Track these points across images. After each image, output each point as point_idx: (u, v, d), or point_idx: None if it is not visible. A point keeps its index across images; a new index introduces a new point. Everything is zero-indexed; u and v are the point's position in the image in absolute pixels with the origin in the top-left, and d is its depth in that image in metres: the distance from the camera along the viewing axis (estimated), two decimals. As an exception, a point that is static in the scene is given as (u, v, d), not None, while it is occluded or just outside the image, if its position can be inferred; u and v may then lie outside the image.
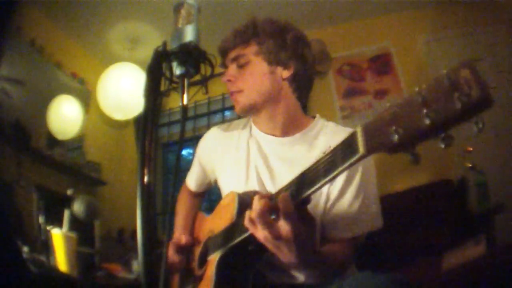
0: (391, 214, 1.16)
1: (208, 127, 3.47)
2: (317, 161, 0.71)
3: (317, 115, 1.26)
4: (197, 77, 0.93)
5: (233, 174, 1.25)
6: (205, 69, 0.93)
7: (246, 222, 0.80)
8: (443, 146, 0.51)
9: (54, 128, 2.88)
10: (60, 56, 3.07)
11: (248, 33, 1.19)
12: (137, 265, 2.24)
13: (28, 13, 2.75)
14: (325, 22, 3.21)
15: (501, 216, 2.26)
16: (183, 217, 1.42)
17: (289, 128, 1.20)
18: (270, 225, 0.76)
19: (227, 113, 3.56)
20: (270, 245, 0.79)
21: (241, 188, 1.15)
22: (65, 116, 3.02)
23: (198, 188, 1.48)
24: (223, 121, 3.43)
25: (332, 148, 0.67)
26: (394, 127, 0.53)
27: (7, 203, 2.17)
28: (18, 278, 1.58)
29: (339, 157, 0.64)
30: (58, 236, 1.95)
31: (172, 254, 1.24)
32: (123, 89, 2.94)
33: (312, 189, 0.71)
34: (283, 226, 0.75)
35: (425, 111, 0.49)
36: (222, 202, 1.16)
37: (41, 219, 2.10)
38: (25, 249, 1.91)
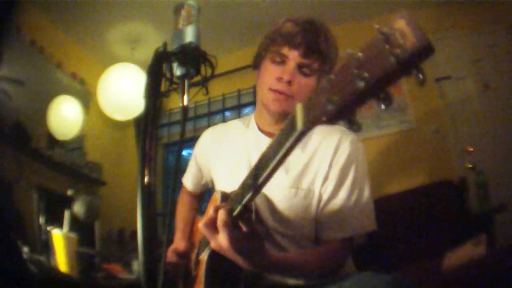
0: (391, 215, 1.17)
1: (208, 127, 3.48)
2: (270, 144, 0.69)
3: None
4: (198, 78, 0.93)
5: (229, 174, 1.25)
6: (205, 70, 0.93)
7: (199, 228, 0.85)
8: (383, 107, 0.46)
9: (54, 128, 2.88)
10: (60, 56, 3.07)
11: (328, 53, 1.16)
12: (137, 265, 2.23)
13: (28, 13, 2.75)
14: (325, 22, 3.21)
15: (501, 216, 2.26)
16: (182, 219, 1.43)
17: None
18: (212, 237, 0.81)
19: (228, 113, 3.56)
20: (221, 253, 0.83)
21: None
22: (65, 116, 3.02)
23: (195, 187, 1.48)
24: (224, 121, 3.43)
25: (280, 130, 0.65)
26: (329, 96, 0.49)
27: (7, 203, 2.17)
28: (18, 279, 1.58)
29: (284, 137, 0.62)
30: (58, 237, 1.95)
31: (173, 260, 1.26)
32: (123, 90, 2.94)
33: (264, 175, 0.68)
34: (221, 238, 0.78)
35: (356, 72, 0.45)
36: (210, 201, 1.17)
37: (41, 220, 2.10)
38: (25, 249, 1.91)
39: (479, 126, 2.77)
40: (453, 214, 2.42)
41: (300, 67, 1.14)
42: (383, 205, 2.32)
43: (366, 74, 0.45)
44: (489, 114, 2.78)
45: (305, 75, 1.14)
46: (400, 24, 0.43)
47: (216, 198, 1.07)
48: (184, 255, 1.27)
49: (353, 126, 0.50)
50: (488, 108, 2.79)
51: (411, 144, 2.86)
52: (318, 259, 1.04)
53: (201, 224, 0.82)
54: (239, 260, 0.83)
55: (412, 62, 0.43)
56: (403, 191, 2.64)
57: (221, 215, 0.77)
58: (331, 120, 0.50)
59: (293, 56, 1.13)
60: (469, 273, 1.55)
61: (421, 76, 0.44)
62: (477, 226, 2.24)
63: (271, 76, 1.16)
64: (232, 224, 0.78)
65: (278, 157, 0.63)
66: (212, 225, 0.80)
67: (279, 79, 1.13)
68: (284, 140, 0.61)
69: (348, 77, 0.47)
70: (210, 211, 0.81)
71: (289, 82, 1.12)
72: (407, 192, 2.62)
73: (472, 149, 2.61)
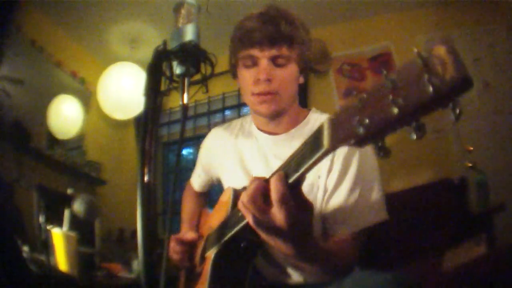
0: (390, 214, 1.15)
1: (208, 126, 3.48)
2: (291, 157, 0.66)
3: (313, 108, 1.26)
4: (197, 77, 0.93)
5: (234, 174, 1.26)
6: (205, 69, 0.93)
7: (240, 206, 0.72)
8: (414, 137, 0.44)
9: (54, 127, 2.88)
10: (60, 56, 3.07)
11: (295, 35, 1.11)
12: (137, 264, 2.24)
13: (28, 13, 2.75)
14: (325, 21, 3.21)
15: (501, 216, 2.26)
16: (189, 212, 1.44)
17: (287, 125, 1.20)
18: (262, 211, 0.68)
19: (228, 112, 3.56)
20: (263, 234, 0.72)
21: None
22: (65, 115, 3.02)
23: (202, 189, 1.50)
24: (224, 120, 3.43)
25: (304, 141, 0.62)
26: (360, 118, 0.47)
27: (7, 203, 2.17)
28: (18, 278, 1.58)
29: (308, 152, 0.60)
30: (58, 236, 1.95)
31: (174, 248, 1.23)
32: (123, 89, 2.94)
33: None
34: (277, 212, 0.66)
35: (391, 97, 0.43)
36: (221, 198, 1.17)
37: (41, 219, 2.09)
38: (25, 248, 1.91)
39: (479, 125, 2.77)
40: (453, 214, 2.41)
41: (272, 60, 1.10)
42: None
43: (401, 101, 0.42)
44: (489, 113, 2.78)
45: (281, 65, 1.11)
46: (440, 51, 0.40)
47: (228, 195, 1.06)
48: (187, 245, 1.24)
49: (381, 151, 0.48)
50: (488, 107, 2.78)
51: (411, 143, 2.85)
52: (336, 253, 0.98)
53: (246, 197, 0.69)
54: (284, 240, 0.71)
55: (449, 95, 0.40)
56: (403, 190, 2.64)
57: (281, 185, 0.65)
58: (360, 143, 0.48)
59: (261, 53, 1.10)
60: (469, 272, 1.55)
61: (457, 110, 0.41)
62: (477, 225, 2.24)
63: (248, 81, 1.13)
64: (290, 194, 0.66)
65: (300, 172, 0.62)
66: (262, 197, 0.68)
67: (257, 81, 1.10)
68: (308, 156, 0.59)
69: (381, 101, 0.44)
70: (254, 183, 0.69)
71: (268, 80, 1.09)
72: (407, 191, 2.62)
73: (472, 148, 2.61)
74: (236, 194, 1.03)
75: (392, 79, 0.44)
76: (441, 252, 1.90)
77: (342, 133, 0.50)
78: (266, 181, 0.69)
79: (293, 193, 0.67)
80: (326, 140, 0.54)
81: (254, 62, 1.12)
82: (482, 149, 2.67)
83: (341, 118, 0.51)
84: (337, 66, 3.24)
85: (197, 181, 1.49)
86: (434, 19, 2.98)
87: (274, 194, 0.65)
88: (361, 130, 0.46)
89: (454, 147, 2.79)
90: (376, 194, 1.07)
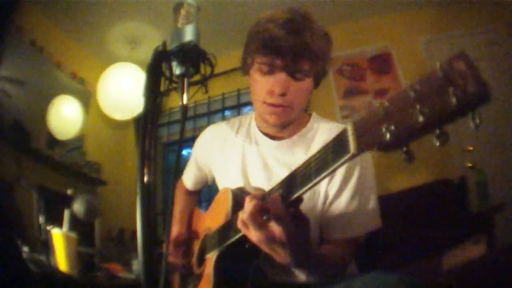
0: (391, 214, 1.16)
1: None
2: (309, 159, 0.68)
3: (313, 113, 1.24)
4: (197, 77, 0.93)
5: (231, 175, 1.24)
6: (204, 69, 0.92)
7: (239, 224, 0.78)
8: (438, 144, 0.48)
9: (54, 128, 2.88)
10: (60, 56, 3.07)
11: (317, 50, 1.04)
12: (137, 265, 2.24)
13: (28, 13, 2.75)
14: (325, 21, 3.19)
15: (501, 215, 2.26)
16: (179, 212, 1.42)
17: (290, 130, 1.18)
18: (262, 227, 0.74)
19: (227, 112, 3.57)
20: (263, 247, 0.77)
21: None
22: (65, 116, 3.02)
23: (194, 186, 1.47)
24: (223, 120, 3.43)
25: (323, 145, 0.64)
26: (386, 125, 0.50)
27: (7, 203, 2.17)
28: (18, 278, 1.58)
29: (330, 156, 0.61)
30: (58, 236, 1.95)
31: (169, 250, 1.25)
32: (123, 89, 2.95)
33: (303, 189, 0.68)
34: (275, 227, 0.72)
35: (418, 107, 0.47)
36: (217, 199, 1.15)
37: (41, 219, 2.09)
38: (25, 249, 1.91)
39: (479, 125, 2.77)
40: (453, 213, 2.42)
41: (291, 73, 1.05)
42: (382, 204, 2.32)
43: (426, 110, 0.46)
44: (489, 113, 2.78)
45: (298, 80, 1.06)
46: (460, 66, 0.44)
47: (225, 196, 1.05)
48: (179, 245, 1.26)
49: (406, 156, 0.51)
50: (488, 107, 2.77)
51: (410, 143, 2.85)
52: (330, 257, 1.02)
53: (245, 214, 0.74)
54: (284, 252, 0.76)
55: (471, 106, 0.44)
56: (403, 190, 2.64)
57: (280, 203, 0.71)
58: (385, 148, 0.51)
59: (281, 64, 1.04)
60: (468, 272, 1.55)
61: (478, 120, 0.45)
62: (477, 225, 2.24)
63: (262, 89, 1.07)
64: (288, 212, 0.72)
65: (322, 175, 0.63)
66: (261, 214, 0.73)
67: (271, 92, 1.05)
68: (331, 161, 0.60)
69: (406, 109, 0.48)
70: (253, 200, 0.74)
71: (283, 94, 1.04)
72: (407, 191, 2.62)
73: (472, 148, 2.61)
74: (235, 196, 1.02)
75: (416, 89, 0.47)
76: (441, 252, 1.90)
77: (369, 138, 0.53)
78: (263, 198, 0.75)
79: (294, 209, 0.74)
80: (352, 145, 0.56)
81: (271, 71, 1.06)
82: (482, 149, 2.67)
83: (365, 124, 0.54)
84: (337, 66, 3.24)
85: (189, 178, 1.46)
86: (434, 19, 2.98)
87: (273, 211, 0.71)
88: (388, 136, 0.50)
89: (453, 147, 2.79)
90: (373, 203, 1.09)
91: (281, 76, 1.04)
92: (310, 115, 1.24)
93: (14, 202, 2.29)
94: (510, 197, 2.32)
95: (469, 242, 1.79)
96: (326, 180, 1.08)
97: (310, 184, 0.66)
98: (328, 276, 0.99)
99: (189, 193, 1.50)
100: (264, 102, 1.08)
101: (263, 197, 0.76)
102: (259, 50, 1.06)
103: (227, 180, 1.23)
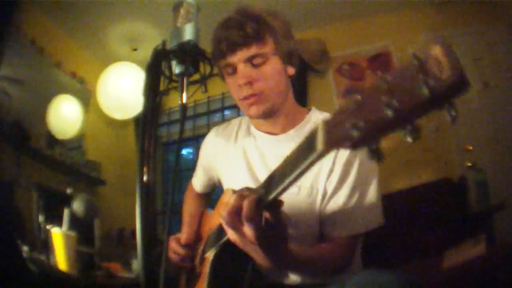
0: (390, 213, 1.15)
1: (207, 126, 3.48)
2: (286, 158, 0.65)
3: (313, 108, 1.25)
4: (197, 76, 0.93)
5: (234, 175, 1.25)
6: (204, 68, 0.93)
7: (221, 220, 0.77)
8: (410, 139, 0.43)
9: (54, 127, 2.88)
10: (60, 56, 3.07)
11: (263, 30, 1.09)
12: (137, 264, 2.24)
13: (28, 13, 2.75)
14: (325, 21, 3.21)
15: (501, 215, 2.26)
16: (189, 214, 1.44)
17: (287, 125, 1.19)
18: (236, 228, 0.73)
19: (227, 112, 3.56)
20: (241, 247, 0.78)
21: None
22: (65, 115, 3.02)
23: (203, 189, 1.49)
24: (223, 120, 3.43)
25: (297, 145, 0.61)
26: (354, 121, 0.45)
27: (7, 203, 2.17)
28: (18, 277, 1.58)
29: (301, 155, 0.58)
30: (57, 235, 1.95)
31: (173, 248, 1.26)
32: (123, 89, 2.94)
33: (279, 189, 0.65)
34: (246, 229, 0.71)
35: (385, 100, 0.42)
36: (221, 199, 1.16)
37: (40, 218, 2.09)
38: (25, 248, 1.91)
39: (478, 125, 2.77)
40: (453, 213, 2.42)
41: (249, 61, 1.09)
42: (382, 204, 2.32)
43: (395, 103, 0.41)
44: (489, 112, 2.78)
45: (259, 64, 1.09)
46: (436, 51, 0.39)
47: (228, 197, 1.06)
48: (186, 246, 1.26)
49: (374, 155, 0.46)
50: (488, 106, 2.79)
51: (411, 143, 2.85)
52: (327, 255, 1.01)
53: (224, 212, 0.74)
54: (259, 254, 0.77)
55: (446, 96, 0.39)
56: (403, 189, 2.64)
57: (250, 204, 0.70)
58: (354, 146, 0.47)
59: (234, 58, 1.09)
60: (468, 271, 1.55)
61: (453, 112, 0.40)
62: (477, 224, 2.24)
63: (234, 88, 1.13)
64: (260, 215, 0.70)
65: (294, 174, 0.60)
66: (237, 215, 0.72)
67: (239, 87, 1.10)
68: (302, 159, 0.57)
69: (376, 103, 0.43)
70: (232, 200, 0.74)
71: (249, 83, 1.08)
72: (407, 191, 2.62)
73: (471, 148, 2.61)
74: None
75: (386, 81, 0.43)
76: (441, 252, 1.90)
77: (337, 135, 0.49)
78: (242, 198, 0.73)
79: (272, 212, 0.71)
80: (320, 143, 0.52)
81: (234, 69, 1.11)
82: (482, 149, 2.67)
83: (336, 120, 0.50)
84: (336, 66, 3.24)
85: (197, 182, 1.48)
86: (434, 19, 2.98)
87: (244, 213, 0.70)
88: (355, 133, 0.45)
89: (453, 146, 2.79)
90: (374, 199, 1.08)
91: (240, 68, 1.09)
92: (309, 110, 1.24)
93: (13, 201, 2.29)
94: (510, 197, 2.32)
95: (469, 241, 1.79)
96: (324, 176, 1.09)
97: (285, 184, 0.63)
98: (326, 275, 0.99)
99: (199, 195, 1.51)
100: (240, 99, 1.12)
101: (243, 197, 0.74)
102: (216, 57, 1.12)
103: (234, 181, 1.23)
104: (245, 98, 1.10)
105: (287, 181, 0.62)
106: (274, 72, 1.11)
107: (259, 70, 1.09)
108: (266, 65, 1.10)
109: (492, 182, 2.46)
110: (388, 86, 0.42)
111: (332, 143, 0.50)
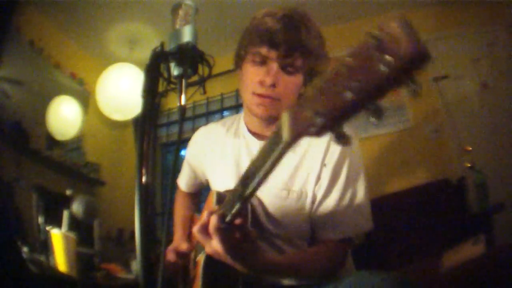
0: (390, 214, 1.16)
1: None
2: (258, 153, 0.63)
3: None
4: (195, 78, 0.93)
5: (222, 176, 1.23)
6: (203, 70, 0.93)
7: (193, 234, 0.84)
8: (374, 120, 0.42)
9: (53, 128, 2.88)
10: (59, 56, 3.07)
11: (311, 47, 1.07)
12: (136, 265, 2.24)
13: (28, 13, 2.75)
14: (325, 21, 3.21)
15: (500, 216, 2.26)
16: (181, 218, 1.42)
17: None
18: (206, 242, 0.79)
19: (226, 113, 3.56)
20: (216, 258, 0.81)
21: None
22: (64, 116, 3.02)
23: (189, 188, 1.47)
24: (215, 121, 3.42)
25: (266, 140, 0.60)
26: (317, 107, 0.44)
27: (7, 203, 2.17)
28: (18, 278, 1.58)
29: (270, 147, 0.57)
30: (57, 236, 1.95)
31: (173, 260, 1.25)
32: (122, 90, 2.95)
33: (254, 185, 0.64)
34: (214, 243, 0.77)
35: (345, 82, 0.41)
36: (207, 202, 1.15)
37: (40, 219, 2.09)
38: (25, 249, 1.91)
39: (478, 125, 2.77)
40: (452, 214, 2.42)
41: (283, 66, 1.07)
42: (382, 204, 2.32)
43: (354, 84, 0.40)
44: (488, 113, 2.78)
45: (290, 73, 1.07)
46: (393, 27, 0.38)
47: (212, 199, 1.06)
48: (184, 255, 1.26)
49: (341, 140, 0.45)
50: (487, 107, 2.79)
51: (410, 143, 2.86)
52: (315, 259, 1.02)
53: (194, 229, 0.80)
54: (234, 264, 0.81)
55: (405, 71, 0.38)
56: (402, 190, 2.64)
57: (213, 221, 0.75)
58: (319, 133, 0.46)
59: (274, 56, 1.06)
60: (468, 272, 1.55)
61: (415, 87, 0.39)
62: (476, 225, 2.24)
63: (253, 79, 1.09)
64: (224, 230, 0.75)
65: (265, 168, 0.59)
66: (206, 230, 0.77)
67: (262, 83, 1.06)
68: (270, 151, 0.57)
69: (336, 87, 0.42)
70: (204, 215, 0.79)
71: (273, 85, 1.05)
72: (406, 191, 2.62)
73: (471, 149, 2.61)
74: (220, 198, 1.03)
75: (345, 63, 0.41)
76: (440, 251, 1.90)
77: (301, 124, 0.48)
78: (210, 214, 0.78)
79: (234, 227, 0.77)
80: (285, 133, 0.51)
81: (264, 61, 1.08)
82: (482, 149, 2.67)
83: (299, 110, 0.48)
84: (336, 66, 3.24)
85: (183, 180, 1.46)
86: (434, 19, 2.98)
87: (209, 229, 0.76)
88: (318, 119, 0.44)
89: (453, 147, 2.79)
90: (363, 203, 1.08)
91: (273, 67, 1.06)
92: None
93: (13, 202, 2.29)
94: (510, 197, 2.32)
95: (468, 242, 1.79)
96: (313, 181, 1.09)
97: (260, 177, 0.62)
98: (318, 277, 1.00)
99: (188, 196, 1.50)
100: (254, 93, 1.09)
101: (211, 214, 0.78)
102: (254, 41, 1.08)
103: (222, 182, 1.22)
104: (261, 95, 1.08)
105: (261, 174, 0.61)
106: (296, 86, 1.10)
107: (287, 78, 1.08)
108: (294, 77, 1.08)
109: (492, 182, 2.46)
110: (347, 68, 0.41)
111: (297, 132, 0.49)
